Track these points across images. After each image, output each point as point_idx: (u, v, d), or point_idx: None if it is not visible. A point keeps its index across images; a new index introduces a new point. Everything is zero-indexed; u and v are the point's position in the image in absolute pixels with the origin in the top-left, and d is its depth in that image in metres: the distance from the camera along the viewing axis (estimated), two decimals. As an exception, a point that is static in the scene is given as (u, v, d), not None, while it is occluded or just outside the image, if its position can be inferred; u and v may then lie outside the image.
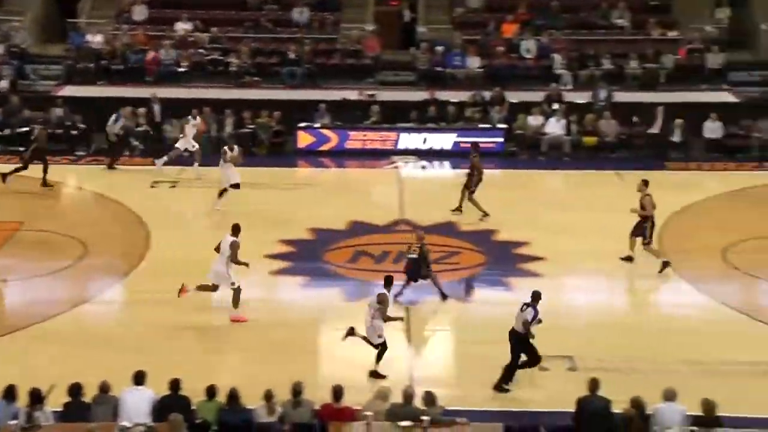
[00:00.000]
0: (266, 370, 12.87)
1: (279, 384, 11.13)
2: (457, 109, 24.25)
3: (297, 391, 11.02)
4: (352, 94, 24.95)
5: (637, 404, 10.75)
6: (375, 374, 13.09)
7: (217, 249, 14.90)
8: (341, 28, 27.52)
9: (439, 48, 26.38)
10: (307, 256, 17.38)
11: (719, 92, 25.27)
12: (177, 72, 26.09)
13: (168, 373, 11.27)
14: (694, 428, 10.50)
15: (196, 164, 21.38)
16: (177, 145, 21.66)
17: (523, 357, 12.85)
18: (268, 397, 10.96)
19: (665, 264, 16.28)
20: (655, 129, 23.06)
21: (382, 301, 13.30)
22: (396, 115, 24.18)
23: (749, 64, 26.42)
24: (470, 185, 18.91)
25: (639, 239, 16.57)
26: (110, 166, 22.25)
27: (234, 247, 14.76)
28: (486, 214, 18.85)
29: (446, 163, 23.36)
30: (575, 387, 12.22)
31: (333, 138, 23.76)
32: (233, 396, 10.92)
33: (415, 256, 15.44)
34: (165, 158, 21.72)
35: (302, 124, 23.86)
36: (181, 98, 24.47)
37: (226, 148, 19.48)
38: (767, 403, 12.03)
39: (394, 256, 17.28)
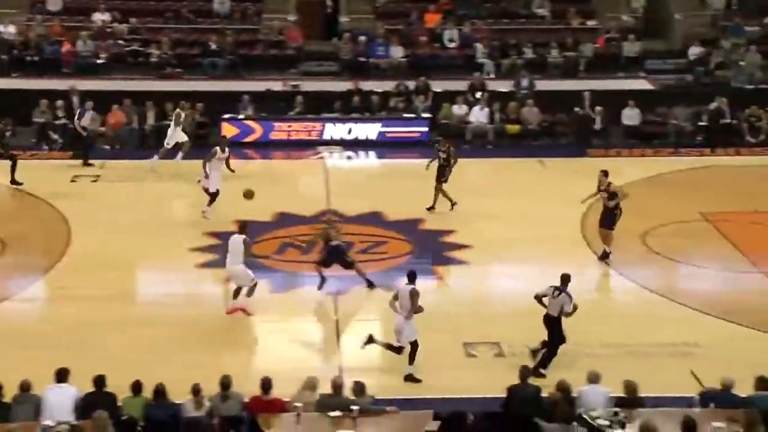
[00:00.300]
0: (194, 364, 12.74)
1: (207, 378, 11.04)
2: (382, 99, 24.28)
3: (225, 384, 10.93)
4: (275, 85, 24.78)
5: (562, 388, 10.94)
6: (411, 378, 12.80)
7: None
8: (263, 19, 27.31)
9: (362, 38, 26.39)
10: (232, 249, 17.24)
11: (636, 80, 25.83)
12: (96, 64, 25.58)
13: (92, 369, 11.09)
14: (617, 409, 10.71)
15: (180, 155, 21.03)
16: (167, 140, 21.28)
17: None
18: (196, 391, 10.86)
19: (606, 254, 16.37)
20: (585, 115, 23.37)
21: (412, 296, 12.95)
22: (320, 106, 24.10)
23: (664, 52, 27.03)
24: (443, 176, 18.61)
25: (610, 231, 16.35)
26: (85, 163, 21.66)
27: (247, 244, 14.58)
28: (432, 207, 18.74)
29: (372, 153, 23.39)
30: (503, 373, 12.43)
31: (257, 129, 23.58)
32: (160, 391, 10.78)
33: (339, 242, 15.40)
34: (156, 156, 21.31)
35: (226, 116, 23.60)
36: (100, 90, 23.98)
37: (217, 148, 18.59)
38: (686, 382, 12.33)
39: (321, 246, 17.27)
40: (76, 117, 22.00)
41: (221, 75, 25.57)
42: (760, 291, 15.53)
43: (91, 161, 21.71)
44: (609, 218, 16.37)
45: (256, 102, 24.03)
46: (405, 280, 13.20)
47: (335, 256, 15.40)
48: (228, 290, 15.05)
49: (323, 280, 15.31)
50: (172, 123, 21.33)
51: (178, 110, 21.70)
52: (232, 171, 18.88)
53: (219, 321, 14.53)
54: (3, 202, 20.05)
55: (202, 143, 23.21)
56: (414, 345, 12.86)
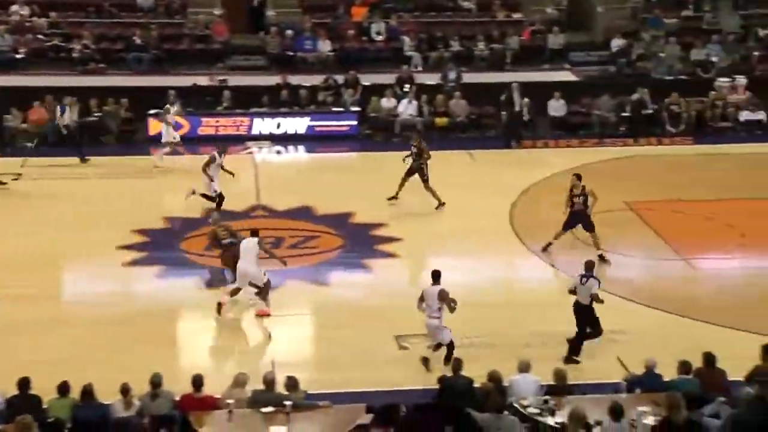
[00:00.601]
0: (122, 363, 12.57)
1: (136, 377, 10.90)
2: (310, 93, 24.17)
3: (155, 382, 10.80)
4: (202, 80, 24.51)
5: (493, 378, 11.06)
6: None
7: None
8: (188, 13, 26.96)
9: (289, 32, 26.25)
10: (163, 246, 17.03)
11: (561, 72, 26.17)
12: (15, 59, 24.95)
13: (16, 371, 10.86)
14: (547, 397, 10.86)
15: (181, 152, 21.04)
16: (163, 140, 21.15)
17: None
18: (125, 390, 10.70)
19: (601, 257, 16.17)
20: (516, 107, 23.58)
21: (444, 296, 12.80)
22: (248, 101, 23.91)
23: (587, 44, 27.45)
24: (423, 174, 18.44)
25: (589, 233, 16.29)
26: (82, 160, 21.26)
27: (262, 245, 14.57)
28: (442, 203, 18.53)
29: (301, 148, 23.29)
30: (436, 365, 12.52)
31: (184, 125, 23.29)
32: (87, 392, 10.60)
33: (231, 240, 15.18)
34: (162, 152, 21.23)
35: (152, 111, 23.27)
36: (20, 86, 23.50)
37: (215, 154, 18.12)
38: (613, 368, 12.58)
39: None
40: (59, 115, 21.61)
41: (146, 70, 25.18)
42: (684, 278, 15.90)
43: (87, 157, 21.35)
44: (588, 222, 16.23)
45: (182, 97, 23.70)
46: (429, 281, 13.06)
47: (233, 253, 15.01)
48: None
49: (228, 278, 15.08)
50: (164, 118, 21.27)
51: (167, 106, 21.53)
52: (232, 174, 18.71)
53: (148, 319, 14.34)
54: None
55: (129, 140, 23.12)
56: (450, 346, 12.81)
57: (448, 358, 12.66)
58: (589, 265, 13.29)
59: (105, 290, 15.47)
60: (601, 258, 16.03)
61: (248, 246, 14.53)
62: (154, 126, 22.86)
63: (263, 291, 14.47)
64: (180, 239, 17.35)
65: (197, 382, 10.90)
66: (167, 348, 13.63)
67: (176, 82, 24.25)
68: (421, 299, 12.97)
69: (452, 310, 12.79)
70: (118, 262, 16.23)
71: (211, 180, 17.97)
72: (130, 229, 17.43)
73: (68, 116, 21.72)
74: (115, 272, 15.94)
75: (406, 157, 18.71)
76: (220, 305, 14.37)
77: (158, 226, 17.88)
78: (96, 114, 23.12)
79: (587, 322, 13.14)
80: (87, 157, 21.34)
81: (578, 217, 16.23)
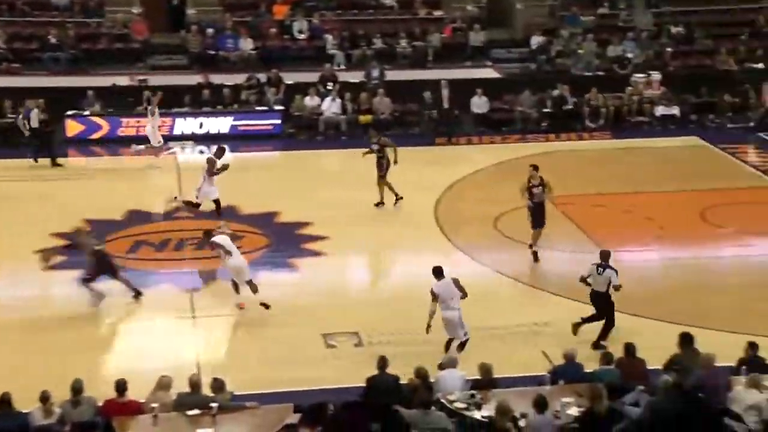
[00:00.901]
0: (41, 370, 12.31)
1: (57, 383, 10.64)
2: (233, 92, 24.00)
3: (76, 388, 10.56)
4: (122, 80, 24.11)
5: (420, 374, 11.10)
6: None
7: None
8: (106, 11, 26.50)
9: (210, 30, 26.00)
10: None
11: (483, 69, 26.46)
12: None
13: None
14: (474, 392, 10.95)
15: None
16: (152, 142, 20.93)
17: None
18: (44, 398, 10.42)
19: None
20: (444, 104, 23.71)
21: (458, 282, 13.01)
22: (170, 100, 23.56)
23: (508, 41, 27.80)
24: (382, 171, 18.37)
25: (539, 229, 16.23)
26: (54, 163, 20.89)
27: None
28: (399, 197, 18.47)
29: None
30: (363, 362, 12.53)
31: (104, 126, 22.89)
32: (4, 400, 10.32)
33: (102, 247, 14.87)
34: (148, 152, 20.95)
35: (70, 112, 22.81)
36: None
37: (212, 156, 17.65)
38: (538, 361, 12.74)
39: (175, 243, 16.98)
40: (21, 118, 21.19)
41: (63, 70, 24.67)
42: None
43: (59, 161, 21.04)
44: (541, 216, 16.16)
45: (102, 97, 23.31)
46: (433, 279, 13.09)
47: (103, 264, 14.71)
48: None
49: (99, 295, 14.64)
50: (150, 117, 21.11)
51: (149, 106, 21.30)
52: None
53: (67, 323, 14.08)
54: None
55: (46, 141, 22.60)
56: (467, 339, 12.93)
57: (461, 347, 12.85)
58: (605, 255, 13.51)
59: (23, 295, 15.12)
60: (535, 255, 16.17)
61: (231, 242, 14.47)
62: (71, 127, 22.40)
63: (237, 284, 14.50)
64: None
65: (120, 386, 10.71)
66: (88, 352, 13.35)
67: (95, 83, 23.85)
68: (434, 298, 12.94)
69: (465, 296, 12.96)
70: (36, 267, 15.84)
71: (199, 189, 17.39)
72: (49, 232, 17.03)
73: (36, 117, 21.21)
74: (35, 277, 15.56)
75: (365, 153, 18.66)
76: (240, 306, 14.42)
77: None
78: (10, 116, 22.55)
79: (605, 308, 13.42)
80: (59, 162, 21.10)
81: (540, 209, 16.17)
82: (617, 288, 13.28)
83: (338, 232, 17.39)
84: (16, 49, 24.85)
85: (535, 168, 16.33)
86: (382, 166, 18.43)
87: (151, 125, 21.25)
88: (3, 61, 24.47)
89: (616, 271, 13.37)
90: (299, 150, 22.80)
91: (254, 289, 14.49)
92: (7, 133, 22.14)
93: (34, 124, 21.25)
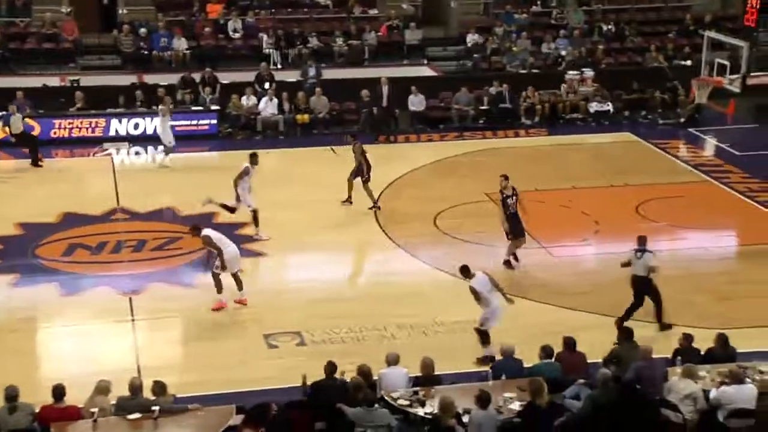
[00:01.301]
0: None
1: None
2: (168, 92, 23.69)
3: (11, 395, 10.36)
4: (53, 81, 23.64)
5: (363, 372, 11.12)
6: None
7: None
8: (34, 11, 25.97)
9: (143, 30, 25.67)
10: (16, 253, 16.39)
11: (420, 67, 26.58)
12: None
13: None
14: (417, 388, 11.03)
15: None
16: (165, 142, 20.73)
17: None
18: (-22, 406, 10.24)
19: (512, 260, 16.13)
20: (383, 102, 23.70)
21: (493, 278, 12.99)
22: (103, 101, 23.22)
23: (443, 39, 27.97)
24: (363, 173, 18.07)
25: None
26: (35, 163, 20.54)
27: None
28: (377, 206, 18.20)
29: (160, 148, 22.77)
30: (306, 362, 12.50)
31: (35, 127, 22.40)
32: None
33: None
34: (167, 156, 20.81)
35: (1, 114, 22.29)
36: None
37: (248, 165, 16.88)
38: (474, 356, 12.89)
39: (112, 245, 16.74)
40: (2, 126, 20.84)
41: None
42: (544, 266, 16.38)
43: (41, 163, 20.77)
44: (520, 225, 15.95)
45: (32, 99, 22.83)
46: (462, 278, 13.07)
47: None
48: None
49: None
50: (161, 117, 20.79)
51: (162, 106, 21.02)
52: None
53: (2, 329, 13.77)
54: None
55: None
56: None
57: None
58: (642, 240, 13.84)
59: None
60: (507, 264, 16.00)
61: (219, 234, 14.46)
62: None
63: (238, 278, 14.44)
64: (35, 246, 16.72)
65: (58, 392, 10.53)
66: (24, 357, 13.10)
67: (25, 83, 23.35)
68: (477, 297, 12.89)
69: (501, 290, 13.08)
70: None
71: (239, 195, 16.80)
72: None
73: (18, 123, 20.92)
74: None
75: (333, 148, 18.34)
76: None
77: (11, 233, 17.19)
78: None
79: (645, 293, 13.69)
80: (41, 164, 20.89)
81: (517, 219, 15.86)
82: (653, 270, 13.66)
83: (278, 232, 17.31)
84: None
85: (506, 177, 15.99)
86: (362, 171, 18.20)
87: (161, 125, 21.04)
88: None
89: (653, 254, 13.75)
90: (237, 150, 22.56)
91: (240, 285, 14.45)
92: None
93: (16, 130, 20.95)
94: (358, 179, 18.34)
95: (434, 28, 28.36)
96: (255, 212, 17.08)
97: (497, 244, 16.54)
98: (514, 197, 15.85)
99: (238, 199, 16.90)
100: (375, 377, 11.20)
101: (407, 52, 26.95)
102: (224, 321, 14.17)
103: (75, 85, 23.48)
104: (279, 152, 22.52)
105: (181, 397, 11.10)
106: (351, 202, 18.49)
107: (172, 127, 21.68)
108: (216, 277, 14.38)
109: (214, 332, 13.89)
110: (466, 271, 13.11)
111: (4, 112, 21.29)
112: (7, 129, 21.02)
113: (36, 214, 17.77)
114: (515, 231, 15.91)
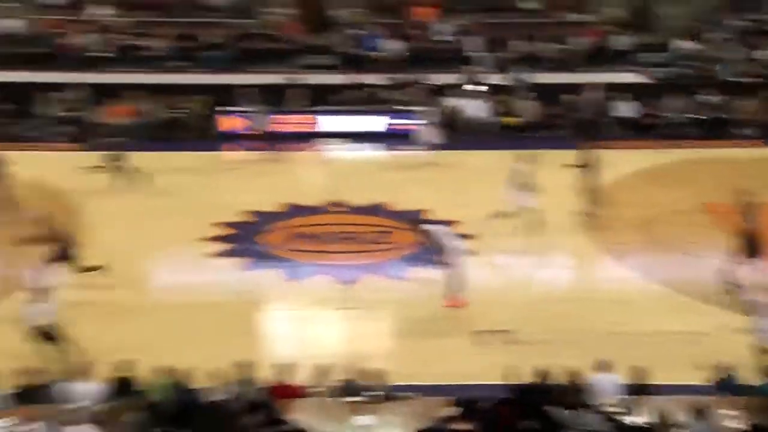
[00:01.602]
0: (211, 349, 12.90)
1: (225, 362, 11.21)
2: (386, 92, 24.31)
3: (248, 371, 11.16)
4: (276, 78, 24.76)
5: (573, 376, 11.15)
6: None
7: None
8: (258, 13, 27.31)
9: (356, 31, 26.34)
10: (243, 238, 17.43)
11: (629, 73, 25.83)
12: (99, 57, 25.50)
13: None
14: (627, 396, 11.02)
15: None
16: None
17: None
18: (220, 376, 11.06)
19: None
20: (593, 108, 23.49)
21: None
22: (320, 99, 24.04)
23: (653, 45, 26.99)
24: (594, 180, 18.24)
25: None
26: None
27: None
28: (593, 213, 18.20)
29: (378, 146, 23.41)
30: (515, 360, 12.54)
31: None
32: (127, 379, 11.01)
33: None
34: None
35: (226, 108, 23.63)
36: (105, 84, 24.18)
37: (518, 165, 17.38)
38: (692, 370, 12.65)
39: (330, 236, 17.53)
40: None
41: (222, 68, 25.36)
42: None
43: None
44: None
45: (257, 95, 23.90)
46: None
47: None
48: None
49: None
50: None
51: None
52: None
53: (232, 308, 14.74)
54: None
55: (203, 136, 23.51)
56: None
57: None
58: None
59: (188, 281, 15.87)
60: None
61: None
62: (226, 122, 23.21)
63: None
64: (261, 232, 17.69)
65: (288, 371, 11.30)
66: (247, 338, 13.93)
67: (250, 80, 24.22)
68: None
69: None
70: (199, 253, 16.64)
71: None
72: (210, 222, 17.79)
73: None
74: (196, 263, 16.34)
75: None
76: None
77: (238, 219, 18.29)
78: (179, 111, 23.57)
79: None
80: None
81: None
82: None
83: (486, 231, 17.44)
84: (181, 48, 25.86)
85: (745, 194, 15.56)
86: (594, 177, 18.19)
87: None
88: (169, 59, 25.62)
89: None
90: (449, 150, 22.67)
91: (458, 284, 14.64)
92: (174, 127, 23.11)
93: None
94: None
95: (644, 34, 27.79)
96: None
97: (710, 255, 16.17)
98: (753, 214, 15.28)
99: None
100: (584, 382, 11.24)
101: (617, 58, 26.55)
102: (436, 315, 14.60)
103: (296, 82, 24.37)
104: (488, 153, 22.54)
105: (394, 385, 11.46)
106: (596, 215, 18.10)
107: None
108: (446, 273, 14.63)
109: (426, 325, 14.31)
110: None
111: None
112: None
113: (261, 204, 18.78)
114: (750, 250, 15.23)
